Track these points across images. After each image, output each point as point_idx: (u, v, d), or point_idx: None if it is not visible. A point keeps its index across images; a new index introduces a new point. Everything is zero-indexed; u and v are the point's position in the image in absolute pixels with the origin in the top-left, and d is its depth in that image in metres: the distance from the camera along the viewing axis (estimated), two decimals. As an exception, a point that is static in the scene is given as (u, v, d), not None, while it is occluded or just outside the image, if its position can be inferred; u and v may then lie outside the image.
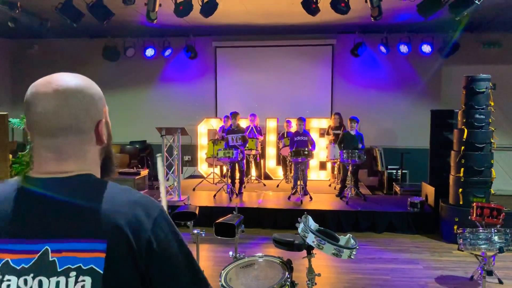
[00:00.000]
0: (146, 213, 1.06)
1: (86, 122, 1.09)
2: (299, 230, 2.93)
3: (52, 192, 1.03)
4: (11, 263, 1.00)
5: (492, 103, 6.47)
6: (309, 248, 3.03)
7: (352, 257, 2.82)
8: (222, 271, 2.95)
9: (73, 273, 0.98)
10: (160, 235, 1.05)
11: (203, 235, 3.71)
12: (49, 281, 0.98)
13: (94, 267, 0.99)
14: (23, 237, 1.01)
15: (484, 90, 6.43)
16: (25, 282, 0.99)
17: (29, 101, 1.07)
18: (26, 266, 0.99)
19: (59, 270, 0.99)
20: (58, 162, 1.07)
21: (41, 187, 1.04)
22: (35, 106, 1.05)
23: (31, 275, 0.99)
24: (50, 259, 0.99)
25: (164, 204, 2.01)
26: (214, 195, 8.09)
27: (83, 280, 0.98)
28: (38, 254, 1.00)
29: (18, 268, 0.99)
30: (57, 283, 0.98)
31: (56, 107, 1.05)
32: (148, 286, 1.04)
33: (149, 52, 10.20)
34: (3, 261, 1.00)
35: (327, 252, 2.79)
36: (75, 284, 0.98)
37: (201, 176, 9.89)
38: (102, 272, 0.98)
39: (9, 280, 0.99)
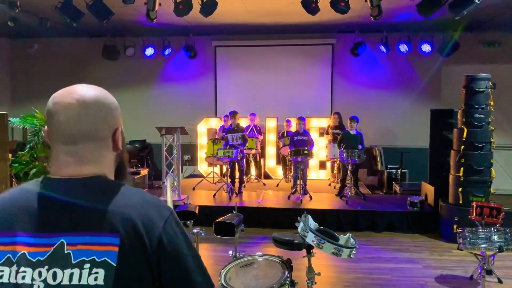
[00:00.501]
0: (158, 213, 1.11)
1: (104, 130, 1.17)
2: (299, 229, 2.93)
3: (70, 190, 1.10)
4: (28, 256, 1.04)
5: (492, 103, 6.47)
6: (309, 248, 3.03)
7: (352, 256, 2.82)
8: (222, 271, 2.95)
9: (87, 265, 1.03)
10: (171, 235, 1.10)
11: (203, 234, 3.71)
12: (63, 273, 1.02)
13: (107, 259, 1.03)
14: (41, 231, 1.06)
15: (484, 89, 6.43)
16: (40, 274, 1.03)
17: (51, 111, 1.15)
18: (42, 259, 1.04)
19: (73, 262, 1.03)
20: (77, 166, 1.14)
21: (59, 186, 1.11)
22: (58, 115, 1.13)
23: (46, 267, 1.03)
24: (65, 251, 1.04)
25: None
26: (214, 195, 8.09)
27: (97, 273, 1.02)
28: (54, 247, 1.04)
29: (34, 260, 1.04)
30: (71, 274, 1.02)
31: (77, 116, 1.13)
32: (158, 283, 1.08)
33: (149, 51, 10.19)
34: (20, 253, 1.05)
35: (327, 252, 2.79)
36: (88, 276, 1.02)
37: (200, 176, 9.89)
38: (115, 265, 1.03)
39: (24, 272, 1.03)
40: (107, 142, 1.18)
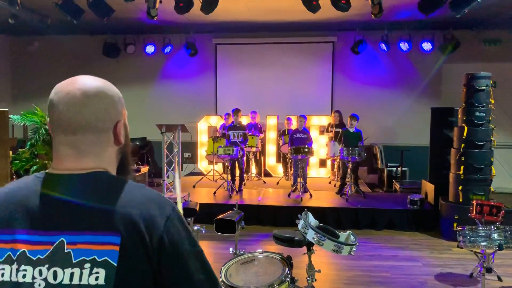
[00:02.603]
0: (160, 210, 1.09)
1: (105, 122, 1.13)
2: (299, 226, 2.93)
3: (70, 188, 1.08)
4: (28, 254, 1.03)
5: (493, 101, 6.47)
6: (309, 245, 3.04)
7: (352, 253, 2.82)
8: (222, 267, 2.96)
9: (87, 265, 1.01)
10: (173, 232, 1.07)
11: (203, 231, 3.72)
12: (64, 272, 1.01)
13: (108, 259, 1.01)
14: (40, 229, 1.05)
15: (484, 87, 6.43)
16: (40, 272, 1.02)
17: (53, 100, 1.12)
18: (42, 257, 1.03)
19: (74, 261, 1.02)
20: (77, 159, 1.11)
21: (59, 183, 1.10)
22: (59, 104, 1.11)
23: (46, 265, 1.02)
24: (66, 250, 1.02)
25: (179, 208, 2.07)
26: (214, 192, 8.10)
27: (97, 272, 1.01)
28: (54, 246, 1.03)
29: (34, 258, 1.03)
30: (71, 274, 1.01)
31: (78, 105, 1.10)
32: (160, 282, 1.06)
33: (149, 49, 10.19)
34: (20, 252, 1.03)
35: (327, 249, 2.80)
36: (89, 276, 1.01)
37: (201, 173, 9.90)
38: (116, 264, 1.01)
39: (25, 270, 1.02)
40: (108, 135, 1.15)
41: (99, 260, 1.01)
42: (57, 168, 1.12)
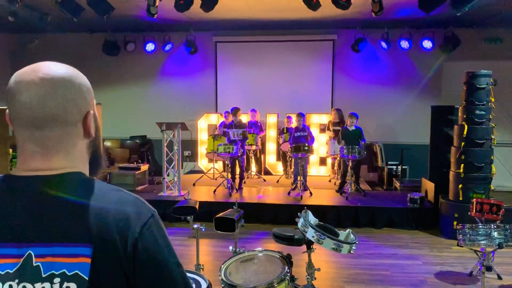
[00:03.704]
0: (136, 215, 1.01)
1: (73, 113, 1.03)
2: (299, 225, 2.93)
3: (38, 192, 0.99)
4: None
5: (493, 99, 6.47)
6: (309, 243, 3.04)
7: (351, 252, 2.82)
8: (222, 266, 2.96)
9: (57, 279, 0.94)
10: (148, 240, 1.00)
11: (203, 229, 3.72)
12: (34, 287, 0.94)
13: (79, 272, 0.95)
14: (7, 240, 0.96)
15: (484, 86, 6.42)
16: (10, 287, 0.94)
17: (12, 90, 1.01)
18: (11, 272, 0.95)
19: (43, 275, 0.95)
20: (45, 157, 1.02)
21: (27, 186, 0.99)
22: (20, 94, 1.00)
23: (16, 280, 0.95)
24: (34, 264, 0.95)
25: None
26: (214, 191, 8.10)
27: (68, 287, 0.94)
28: (22, 259, 0.95)
29: (2, 273, 0.95)
30: None
31: (41, 96, 0.99)
32: None
33: (150, 47, 10.17)
34: None
35: (327, 247, 2.80)
36: None
37: (201, 172, 9.90)
38: (87, 278, 0.95)
39: None
40: (77, 127, 1.05)
41: (69, 274, 0.94)
42: (23, 168, 1.02)
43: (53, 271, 0.95)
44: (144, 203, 1.05)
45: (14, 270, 0.95)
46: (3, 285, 0.95)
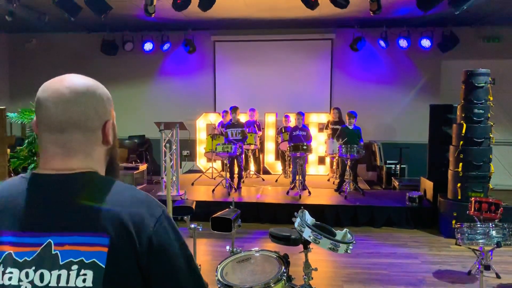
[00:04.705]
0: (149, 212, 1.08)
1: (94, 121, 1.12)
2: (296, 224, 2.92)
3: (57, 188, 1.07)
4: (14, 256, 1.01)
5: (491, 98, 6.46)
6: (306, 243, 3.02)
7: (348, 251, 2.81)
8: (219, 266, 2.95)
9: (75, 267, 1.00)
10: (162, 235, 1.07)
11: (200, 229, 3.71)
12: (51, 274, 1.00)
13: (96, 261, 1.00)
14: (27, 230, 1.03)
15: (483, 84, 6.41)
16: (27, 275, 1.00)
17: (40, 98, 1.11)
18: (29, 259, 1.01)
19: (61, 263, 1.00)
20: (65, 158, 1.10)
21: (47, 183, 1.08)
22: (46, 102, 1.09)
23: (33, 268, 1.00)
24: (53, 252, 1.01)
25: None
26: (213, 190, 8.09)
27: (85, 274, 0.99)
28: (41, 247, 1.01)
29: (20, 260, 1.01)
30: (58, 276, 0.99)
31: (66, 103, 1.09)
32: (148, 284, 1.05)
33: (148, 46, 10.15)
34: (6, 254, 1.01)
35: (324, 247, 2.79)
36: (76, 278, 0.99)
37: (199, 171, 9.88)
38: (104, 266, 1.00)
39: (11, 273, 1.00)
40: (96, 134, 1.14)
41: (86, 261, 1.00)
42: (45, 168, 1.10)
43: (71, 259, 1.00)
44: (155, 201, 1.13)
45: (31, 258, 1.01)
46: (20, 272, 1.00)
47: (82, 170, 1.10)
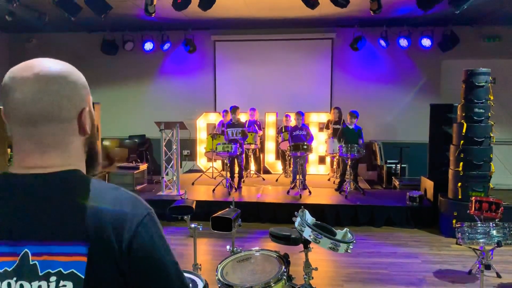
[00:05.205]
0: (132, 214, 1.01)
1: (68, 110, 1.03)
2: (296, 224, 2.92)
3: (35, 190, 0.99)
4: None
5: (492, 97, 6.45)
6: (306, 242, 3.02)
7: (349, 251, 2.81)
8: (219, 265, 2.95)
9: (53, 278, 0.95)
10: (144, 238, 0.99)
11: (200, 229, 3.71)
12: (31, 286, 0.95)
13: (75, 271, 0.95)
14: (5, 238, 0.96)
15: (483, 84, 6.41)
16: (9, 285, 0.95)
17: (6, 86, 1.01)
18: (9, 270, 0.95)
19: (40, 274, 0.95)
20: (41, 155, 1.01)
21: (23, 185, 0.99)
22: (14, 91, 0.99)
23: (14, 278, 0.95)
24: (31, 262, 0.95)
25: None
26: (213, 190, 8.09)
27: (64, 285, 0.95)
28: (19, 257, 0.96)
29: (1, 271, 0.95)
30: (39, 287, 0.95)
31: (36, 92, 0.99)
32: None
33: (148, 46, 10.15)
34: None
35: (324, 246, 2.78)
36: None
37: (200, 171, 9.88)
38: (83, 276, 0.95)
39: None
40: (72, 124, 1.04)
41: (65, 272, 0.95)
42: (20, 166, 1.02)
43: (49, 270, 0.95)
44: (140, 201, 1.05)
45: (12, 268, 0.95)
46: (1, 283, 0.95)
47: (60, 169, 1.01)
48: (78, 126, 1.06)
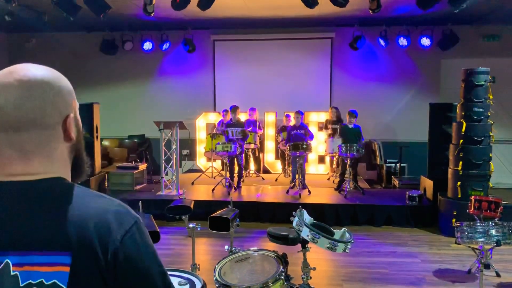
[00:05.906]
0: (118, 222, 0.98)
1: (52, 116, 1.00)
2: (294, 224, 2.92)
3: (17, 199, 0.96)
4: None
5: (491, 96, 6.44)
6: (304, 242, 3.02)
7: (347, 250, 2.81)
8: (217, 265, 2.95)
9: None
10: (130, 248, 0.97)
11: (198, 229, 3.70)
12: None
13: (57, 282, 0.92)
14: None
15: (483, 83, 6.40)
16: None
17: None
18: None
19: (21, 285, 0.92)
20: (23, 162, 0.99)
21: (4, 193, 0.97)
22: None
23: None
24: (12, 273, 0.92)
25: None
26: (213, 189, 8.08)
27: None
28: (0, 267, 0.93)
29: None
30: None
31: (18, 98, 0.97)
32: None
33: (147, 45, 10.14)
34: None
35: (322, 246, 2.78)
36: None
37: (199, 170, 9.88)
38: (65, 287, 0.92)
39: None
40: (57, 131, 1.01)
41: (46, 283, 0.92)
42: (1, 173, 0.99)
43: (30, 281, 0.92)
44: (127, 210, 1.02)
45: None
46: None
47: (43, 176, 0.99)
48: (63, 132, 1.03)
